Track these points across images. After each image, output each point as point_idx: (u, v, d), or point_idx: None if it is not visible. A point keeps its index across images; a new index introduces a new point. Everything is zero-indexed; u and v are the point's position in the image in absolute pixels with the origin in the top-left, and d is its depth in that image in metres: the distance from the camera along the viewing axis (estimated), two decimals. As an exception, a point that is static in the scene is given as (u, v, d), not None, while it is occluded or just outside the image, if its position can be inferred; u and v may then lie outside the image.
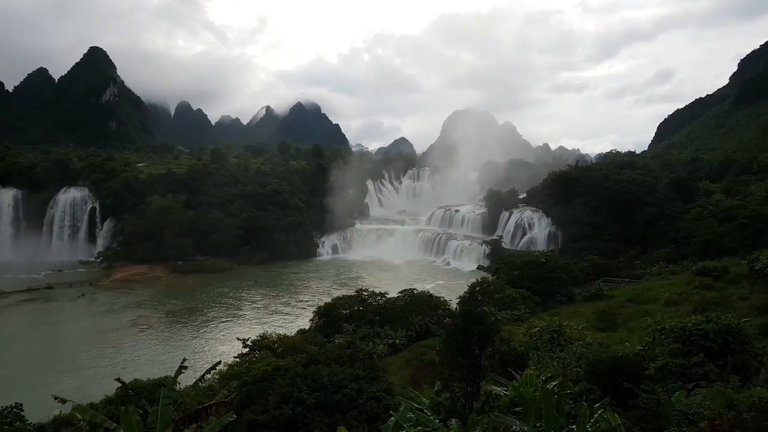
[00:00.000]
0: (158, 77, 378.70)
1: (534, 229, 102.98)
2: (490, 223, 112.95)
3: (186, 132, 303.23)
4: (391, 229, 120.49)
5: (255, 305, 69.52)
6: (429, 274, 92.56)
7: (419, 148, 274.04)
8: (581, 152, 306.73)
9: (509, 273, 52.68)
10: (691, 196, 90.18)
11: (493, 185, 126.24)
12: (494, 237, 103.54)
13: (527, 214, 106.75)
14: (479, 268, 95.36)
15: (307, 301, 71.09)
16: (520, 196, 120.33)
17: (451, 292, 69.43)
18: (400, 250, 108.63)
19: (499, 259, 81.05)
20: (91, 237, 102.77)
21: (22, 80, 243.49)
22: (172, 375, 15.89)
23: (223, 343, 52.26)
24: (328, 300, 46.03)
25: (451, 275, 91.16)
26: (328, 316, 40.26)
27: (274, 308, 67.80)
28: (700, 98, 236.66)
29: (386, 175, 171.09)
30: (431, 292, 46.10)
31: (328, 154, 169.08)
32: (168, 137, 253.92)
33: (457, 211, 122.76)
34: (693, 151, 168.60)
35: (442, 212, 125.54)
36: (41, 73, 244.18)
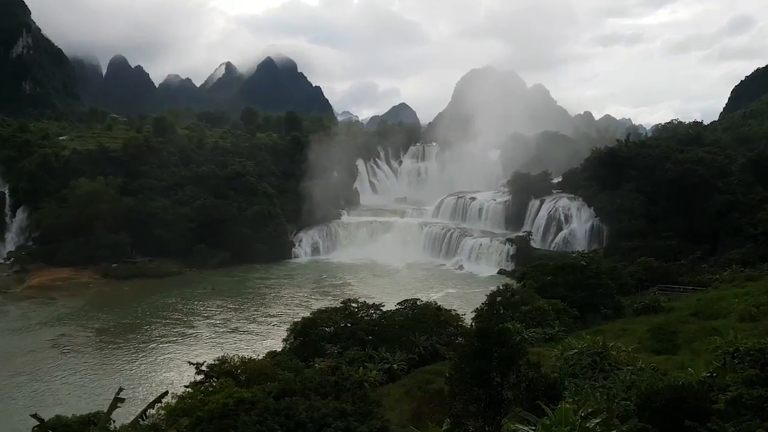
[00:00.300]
0: (86, 23, 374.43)
1: (572, 223, 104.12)
2: (515, 215, 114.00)
3: (122, 95, 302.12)
4: (387, 223, 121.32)
5: (212, 320, 69.97)
6: (436, 281, 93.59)
7: (424, 117, 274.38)
8: (633, 123, 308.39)
9: (539, 279, 53.11)
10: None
11: (519, 166, 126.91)
12: (520, 233, 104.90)
13: (563, 203, 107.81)
14: (501, 272, 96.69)
15: (279, 316, 71.65)
16: (555, 180, 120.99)
17: (465, 304, 69.49)
18: (399, 249, 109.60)
19: (526, 262, 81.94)
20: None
21: None
22: (105, 410, 16.19)
23: (170, 369, 52.80)
24: (307, 314, 46.20)
25: (465, 282, 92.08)
26: (306, 334, 40.49)
27: (236, 324, 68.27)
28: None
29: (382, 153, 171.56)
30: (439, 303, 46.39)
31: (307, 125, 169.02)
32: (99, 102, 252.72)
33: (472, 199, 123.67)
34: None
35: (453, 201, 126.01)
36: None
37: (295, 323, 42.44)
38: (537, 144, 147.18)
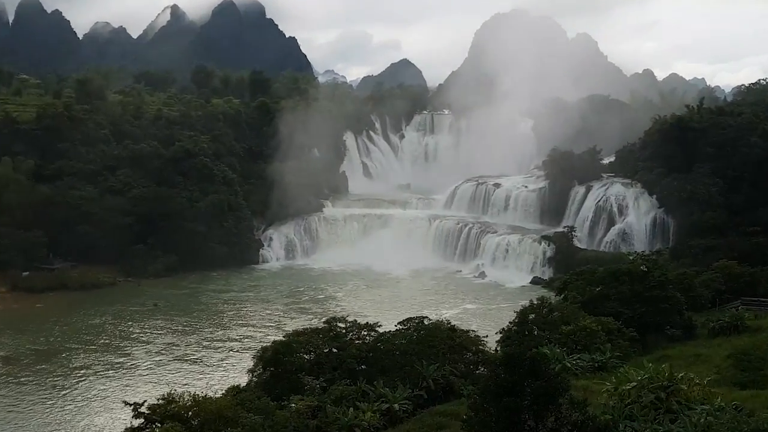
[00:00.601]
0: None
1: (628, 216, 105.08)
2: (553, 207, 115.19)
3: (34, 50, 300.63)
4: (385, 217, 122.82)
5: (153, 346, 70.10)
6: (450, 293, 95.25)
7: (433, 77, 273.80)
8: (708, 84, 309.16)
9: (585, 290, 53.27)
10: None
11: (559, 141, 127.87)
12: (560, 229, 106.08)
13: (616, 190, 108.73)
14: (535, 281, 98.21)
15: (242, 340, 71.96)
16: (605, 160, 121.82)
17: (488, 323, 69.32)
18: (400, 251, 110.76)
19: (568, 267, 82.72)
20: None
21: None
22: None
23: (98, 412, 52.70)
24: (279, 337, 46.15)
25: (488, 294, 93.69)
26: (278, 363, 40.26)
27: (185, 351, 68.46)
28: None
29: (377, 124, 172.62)
30: (454, 322, 46.54)
31: (278, 88, 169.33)
32: (2, 59, 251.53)
33: (497, 185, 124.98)
34: None
35: (472, 187, 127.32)
36: None
37: (264, 349, 42.33)
38: (582, 112, 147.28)
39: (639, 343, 44.86)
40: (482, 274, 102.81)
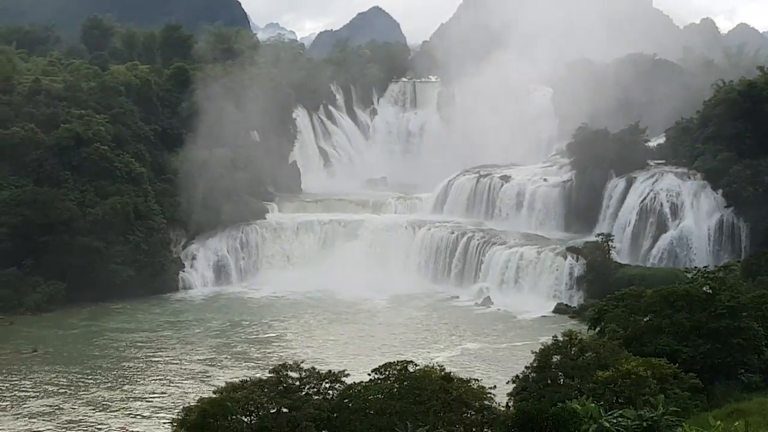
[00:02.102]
0: None
1: (684, 218, 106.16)
2: (582, 207, 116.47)
3: None
4: (352, 224, 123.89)
5: (29, 408, 69.16)
6: (444, 327, 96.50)
7: (415, 31, 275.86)
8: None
9: (628, 321, 53.65)
10: None
11: (588, 116, 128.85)
12: (593, 238, 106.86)
13: (669, 182, 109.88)
14: (559, 310, 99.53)
15: (155, 398, 71.75)
16: (653, 141, 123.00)
17: (496, 368, 70.46)
18: (374, 271, 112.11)
19: (604, 290, 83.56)
20: None
21: None
22: None
23: None
24: (208, 392, 46.17)
25: (496, 328, 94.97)
26: (208, 430, 40.27)
27: (73, 417, 67.68)
28: None
29: (340, 97, 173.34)
30: (449, 368, 46.24)
31: (202, 49, 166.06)
32: None
33: (505, 179, 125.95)
34: None
35: (471, 182, 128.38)
36: None
37: (187, 411, 42.40)
38: (619, 77, 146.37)
39: (703, 393, 45.03)
40: (487, 301, 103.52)
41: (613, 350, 46.93)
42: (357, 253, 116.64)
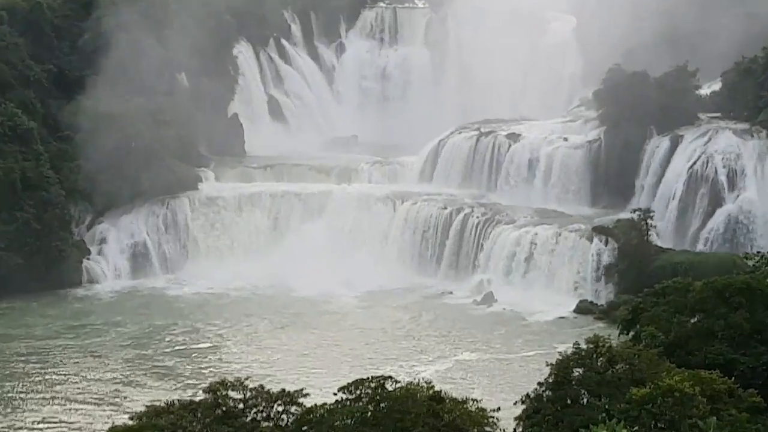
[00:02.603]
0: None
1: (746, 188, 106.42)
2: (613, 174, 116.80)
3: None
4: (313, 197, 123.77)
5: None
6: (434, 333, 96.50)
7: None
8: None
9: (671, 323, 53.41)
10: None
11: (621, 54, 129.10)
12: (627, 215, 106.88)
13: (725, 142, 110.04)
14: (582, 309, 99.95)
15: (52, 427, 71.59)
16: (706, 88, 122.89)
17: (501, 385, 71.48)
18: (342, 259, 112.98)
19: (640, 282, 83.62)
20: None
21: None
22: None
23: None
24: (123, 419, 46.31)
25: (500, 333, 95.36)
26: (120, 467, 40.04)
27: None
28: None
29: (295, 27, 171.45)
30: (440, 385, 46.23)
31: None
32: None
33: (514, 138, 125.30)
34: None
35: (469, 142, 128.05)
36: None
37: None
38: (662, 3, 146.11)
39: (765, 414, 44.95)
40: (488, 298, 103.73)
41: (652, 361, 46.56)
42: (319, 236, 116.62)
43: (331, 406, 42.99)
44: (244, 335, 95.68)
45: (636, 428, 40.66)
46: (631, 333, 56.23)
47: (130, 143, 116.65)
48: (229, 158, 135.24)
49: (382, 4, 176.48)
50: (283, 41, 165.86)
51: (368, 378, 44.69)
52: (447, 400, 43.21)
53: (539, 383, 46.46)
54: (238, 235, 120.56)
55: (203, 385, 46.49)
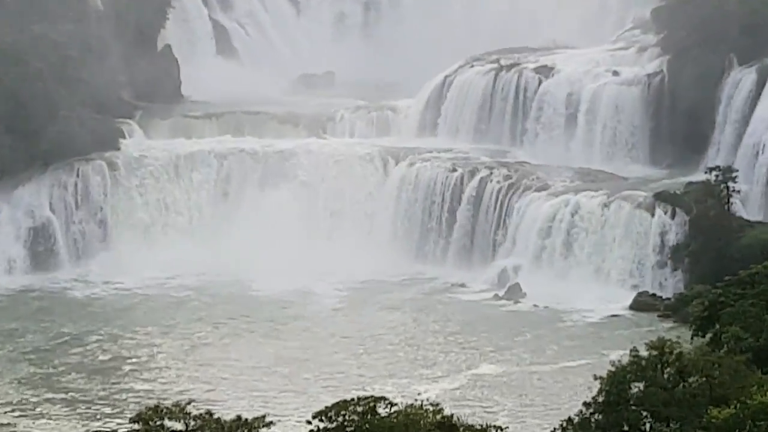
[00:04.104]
0: None
1: None
2: (680, 119, 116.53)
3: None
4: (275, 156, 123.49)
5: None
6: (442, 339, 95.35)
7: None
8: None
9: (761, 322, 53.57)
10: None
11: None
12: (700, 177, 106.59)
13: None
14: (640, 304, 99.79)
15: None
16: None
17: (532, 407, 70.58)
18: (316, 241, 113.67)
19: (719, 268, 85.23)
20: None
21: None
22: None
23: None
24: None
25: (532, 337, 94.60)
26: None
27: None
28: None
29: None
30: (451, 408, 46.46)
31: None
32: None
33: (544, 71, 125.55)
34: None
35: (483, 78, 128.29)
36: None
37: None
38: None
39: None
40: (514, 292, 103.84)
41: (737, 371, 46.47)
42: (285, 210, 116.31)
43: (301, 437, 43.05)
44: (183, 347, 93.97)
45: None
46: (709, 335, 56.26)
47: (25, 89, 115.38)
48: (161, 105, 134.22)
49: None
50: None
51: (353, 400, 44.55)
52: (461, 429, 43.29)
53: (585, 403, 46.45)
54: (175, 210, 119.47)
55: (129, 413, 46.35)
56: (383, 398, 45.18)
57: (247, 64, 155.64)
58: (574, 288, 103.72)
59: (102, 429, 46.93)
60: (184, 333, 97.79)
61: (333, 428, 44.22)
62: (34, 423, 76.78)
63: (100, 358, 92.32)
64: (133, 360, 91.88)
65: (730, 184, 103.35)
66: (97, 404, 79.52)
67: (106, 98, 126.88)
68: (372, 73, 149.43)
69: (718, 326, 56.77)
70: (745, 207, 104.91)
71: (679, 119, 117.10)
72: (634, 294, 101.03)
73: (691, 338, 57.57)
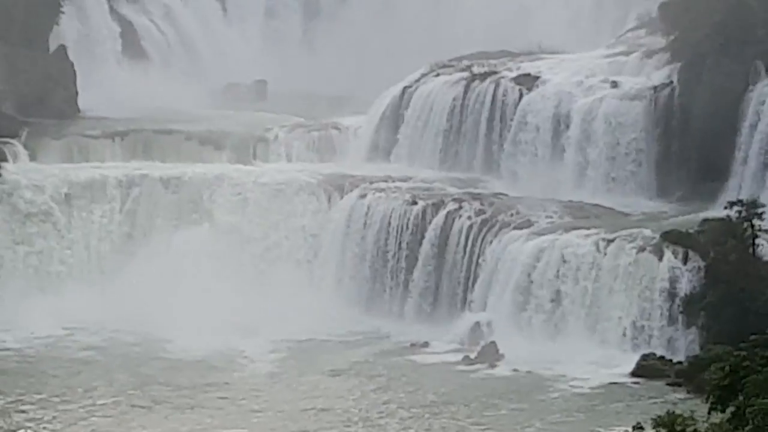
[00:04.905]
0: None
1: None
2: (693, 140, 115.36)
3: None
4: (192, 186, 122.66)
5: None
6: (402, 414, 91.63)
7: None
8: None
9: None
10: None
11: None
12: (717, 213, 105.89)
13: None
14: (646, 369, 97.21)
15: None
16: None
17: None
18: (244, 288, 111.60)
19: (741, 324, 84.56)
20: None
21: None
22: None
23: None
24: None
25: (512, 412, 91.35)
26: None
27: None
28: None
29: None
30: None
31: None
32: None
33: (527, 81, 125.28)
34: None
35: (452, 89, 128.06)
36: None
37: None
38: None
39: None
40: (489, 353, 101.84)
41: None
42: (206, 251, 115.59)
43: None
44: (75, 422, 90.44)
45: None
46: (730, 409, 53.05)
47: None
48: (53, 122, 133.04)
49: None
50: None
51: None
52: None
53: None
54: (69, 250, 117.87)
55: None
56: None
57: (160, 69, 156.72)
58: (562, 349, 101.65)
59: None
60: (79, 404, 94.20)
61: None
62: None
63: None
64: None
65: (755, 221, 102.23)
66: None
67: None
68: (312, 84, 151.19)
69: (741, 397, 54.40)
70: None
71: (692, 141, 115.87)
72: (637, 357, 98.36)
73: (708, 413, 54.58)
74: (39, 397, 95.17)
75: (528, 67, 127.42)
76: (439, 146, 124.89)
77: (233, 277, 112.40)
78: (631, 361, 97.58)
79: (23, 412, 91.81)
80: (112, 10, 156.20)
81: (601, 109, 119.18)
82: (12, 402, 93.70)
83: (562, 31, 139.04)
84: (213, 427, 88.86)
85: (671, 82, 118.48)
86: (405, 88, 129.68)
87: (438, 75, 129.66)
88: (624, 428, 53.52)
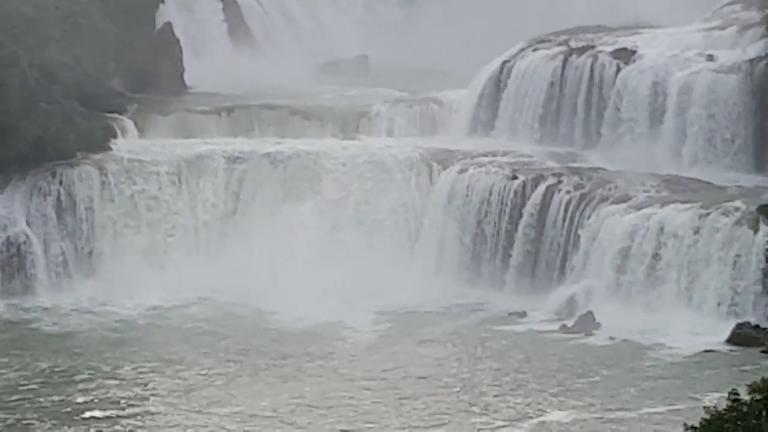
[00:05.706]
0: None
1: None
2: None
3: None
4: (298, 161, 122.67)
5: None
6: (501, 379, 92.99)
7: None
8: None
9: None
10: None
11: None
12: None
13: None
14: (741, 337, 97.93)
15: None
16: None
17: None
18: (347, 262, 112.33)
19: None
20: None
21: None
22: None
23: None
24: None
25: (609, 377, 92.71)
26: None
27: None
28: None
29: None
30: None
31: None
32: None
33: (623, 55, 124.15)
34: None
35: (550, 63, 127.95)
36: None
37: None
38: None
39: None
40: (587, 322, 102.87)
41: None
42: (309, 224, 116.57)
43: None
44: (182, 388, 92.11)
45: None
46: None
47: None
48: (160, 98, 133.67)
49: None
50: None
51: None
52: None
53: (680, 469, 45.77)
54: (177, 223, 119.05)
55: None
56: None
57: (264, 47, 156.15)
58: (658, 318, 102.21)
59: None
60: (186, 372, 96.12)
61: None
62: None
63: (80, 400, 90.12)
64: (118, 405, 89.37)
65: None
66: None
67: (93, 89, 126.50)
68: (413, 58, 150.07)
69: None
70: None
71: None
72: (732, 325, 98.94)
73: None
74: (150, 365, 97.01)
75: (625, 41, 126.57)
76: (538, 120, 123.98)
77: (338, 251, 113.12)
78: (725, 330, 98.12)
79: (131, 375, 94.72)
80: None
81: (698, 82, 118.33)
82: (117, 368, 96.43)
83: (659, 6, 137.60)
84: (315, 394, 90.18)
85: (767, 54, 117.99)
86: (504, 62, 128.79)
87: (536, 50, 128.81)
88: (719, 394, 53.26)
